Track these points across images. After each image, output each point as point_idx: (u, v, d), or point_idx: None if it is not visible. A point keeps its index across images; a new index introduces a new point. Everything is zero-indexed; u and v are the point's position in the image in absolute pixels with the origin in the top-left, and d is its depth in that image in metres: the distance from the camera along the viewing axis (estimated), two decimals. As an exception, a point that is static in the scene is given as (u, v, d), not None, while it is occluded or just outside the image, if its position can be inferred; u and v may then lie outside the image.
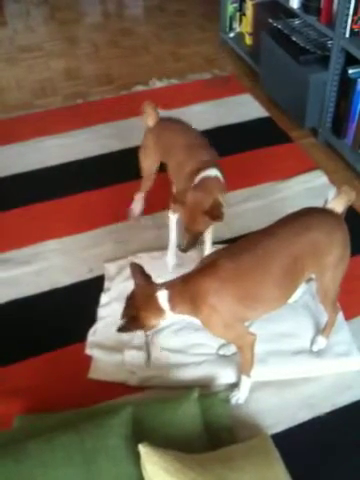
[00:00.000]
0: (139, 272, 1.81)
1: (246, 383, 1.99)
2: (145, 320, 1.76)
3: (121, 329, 1.76)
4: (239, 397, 2.00)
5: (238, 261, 1.74)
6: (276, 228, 1.82)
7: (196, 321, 1.79)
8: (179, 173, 2.28)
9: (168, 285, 1.77)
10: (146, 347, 2.18)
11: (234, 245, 1.84)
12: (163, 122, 2.47)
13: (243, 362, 1.95)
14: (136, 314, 1.75)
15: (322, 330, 2.18)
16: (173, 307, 1.74)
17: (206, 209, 2.03)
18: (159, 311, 1.75)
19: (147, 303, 1.75)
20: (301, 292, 2.33)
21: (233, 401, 2.00)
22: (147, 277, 1.81)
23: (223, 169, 2.23)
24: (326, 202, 1.88)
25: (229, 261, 1.74)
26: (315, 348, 2.17)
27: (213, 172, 2.16)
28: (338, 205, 1.86)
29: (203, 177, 2.13)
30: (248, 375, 1.97)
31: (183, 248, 2.15)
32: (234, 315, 1.77)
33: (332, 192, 1.88)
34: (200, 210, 2.03)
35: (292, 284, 1.84)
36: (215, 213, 2.02)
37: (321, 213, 1.86)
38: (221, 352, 2.17)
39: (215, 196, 2.06)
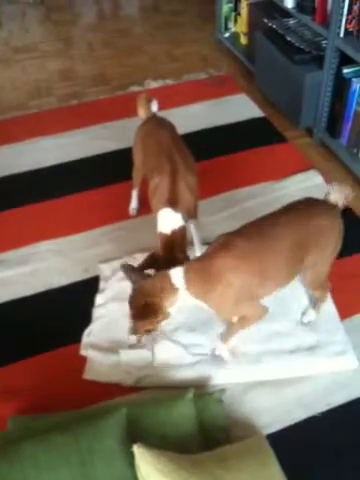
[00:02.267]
0: (131, 271, 1.82)
1: (223, 349, 2.10)
2: (159, 303, 1.76)
3: (135, 316, 1.77)
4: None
5: (250, 240, 1.80)
6: (281, 214, 1.90)
7: (204, 306, 1.81)
8: (149, 182, 2.29)
9: (183, 264, 1.80)
10: (150, 342, 2.17)
11: (243, 227, 1.88)
12: (153, 122, 2.46)
13: (232, 329, 2.04)
14: (149, 300, 1.75)
15: (313, 304, 2.22)
16: (188, 286, 1.75)
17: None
18: (173, 290, 1.76)
19: (159, 284, 1.77)
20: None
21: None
22: (141, 273, 1.82)
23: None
24: (327, 195, 1.96)
25: (242, 240, 1.79)
26: (305, 319, 2.23)
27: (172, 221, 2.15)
28: (338, 199, 1.94)
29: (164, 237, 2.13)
30: (226, 342, 2.08)
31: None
32: (248, 291, 1.81)
33: (334, 186, 1.96)
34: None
35: (295, 266, 1.90)
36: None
37: (323, 204, 1.94)
38: (217, 352, 2.17)
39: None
